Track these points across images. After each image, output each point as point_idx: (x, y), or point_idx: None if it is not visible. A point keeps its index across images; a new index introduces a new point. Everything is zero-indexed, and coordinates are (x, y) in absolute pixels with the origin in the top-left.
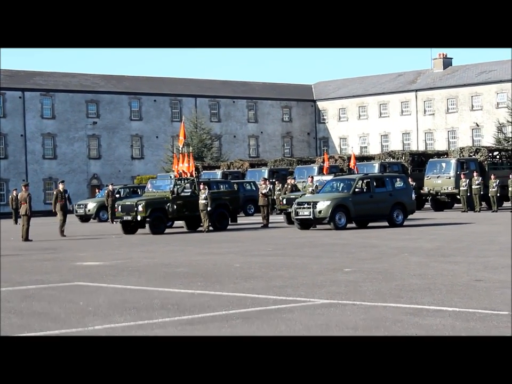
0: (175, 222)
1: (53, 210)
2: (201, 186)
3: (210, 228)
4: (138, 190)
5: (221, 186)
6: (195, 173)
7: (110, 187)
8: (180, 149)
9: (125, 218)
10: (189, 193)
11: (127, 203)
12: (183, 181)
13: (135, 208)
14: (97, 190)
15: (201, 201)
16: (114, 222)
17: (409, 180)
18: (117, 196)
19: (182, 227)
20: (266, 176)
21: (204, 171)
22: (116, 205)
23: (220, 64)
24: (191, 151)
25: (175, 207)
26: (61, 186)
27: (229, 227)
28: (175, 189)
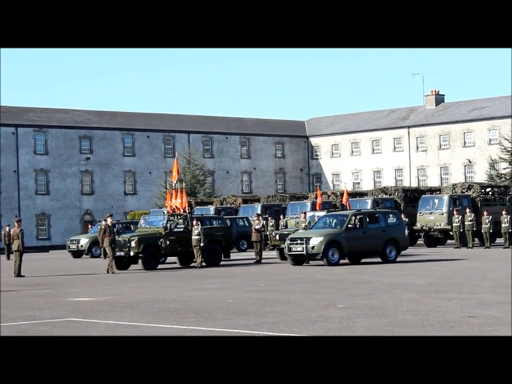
0: (168, 257)
1: (100, 246)
2: (194, 222)
3: (203, 264)
4: (131, 226)
5: (214, 222)
6: (188, 209)
7: (109, 220)
8: (173, 184)
9: (117, 254)
10: (182, 229)
11: (120, 239)
12: (176, 217)
13: (128, 244)
14: (90, 226)
15: (194, 237)
16: (107, 258)
17: (402, 215)
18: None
19: (175, 263)
20: (259, 212)
21: (196, 207)
22: None
23: (213, 100)
24: (184, 186)
25: (168, 242)
26: (109, 220)
27: (221, 263)
28: (168, 225)
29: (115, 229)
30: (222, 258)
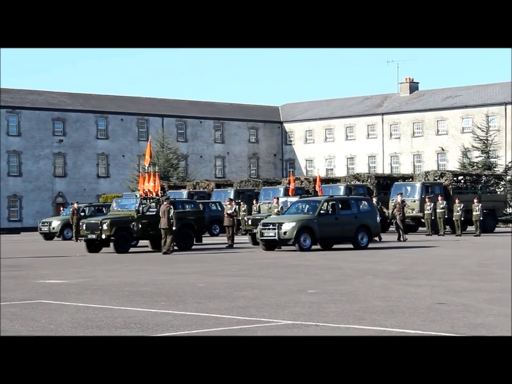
0: (140, 241)
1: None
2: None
3: (175, 248)
4: (104, 209)
5: (187, 206)
6: (161, 192)
7: (75, 205)
8: (146, 168)
9: (89, 236)
10: (154, 213)
11: (92, 221)
12: (148, 200)
13: (100, 227)
14: (62, 208)
15: None
16: (78, 240)
17: (374, 200)
18: (82, 214)
19: (147, 246)
20: (232, 197)
21: (169, 190)
22: (80, 223)
23: (187, 84)
24: (157, 170)
25: (140, 226)
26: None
27: (193, 247)
28: (140, 208)
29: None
30: (194, 243)
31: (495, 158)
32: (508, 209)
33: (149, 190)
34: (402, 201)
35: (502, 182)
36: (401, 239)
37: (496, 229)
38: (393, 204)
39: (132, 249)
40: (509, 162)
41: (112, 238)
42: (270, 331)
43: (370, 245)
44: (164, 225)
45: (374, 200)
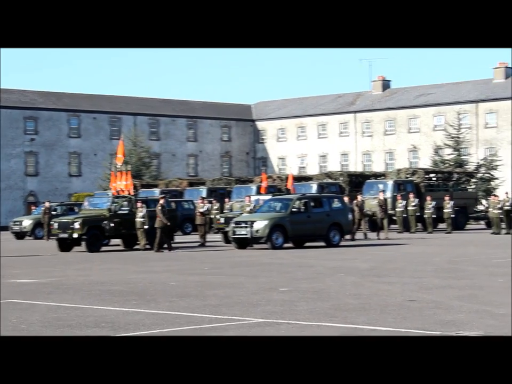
0: (112, 240)
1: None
2: (139, 204)
3: (147, 246)
4: (75, 208)
5: None
6: (133, 191)
7: (47, 204)
8: (118, 166)
9: (61, 235)
10: (126, 211)
11: (63, 220)
12: (120, 199)
13: (72, 226)
14: (33, 207)
15: (139, 220)
16: (50, 240)
17: (346, 199)
18: (54, 213)
19: (119, 245)
20: (204, 195)
21: (142, 189)
22: (52, 222)
23: (160, 83)
24: (129, 169)
25: (112, 225)
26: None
27: (165, 246)
28: (113, 207)
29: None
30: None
31: (466, 155)
32: (478, 206)
33: (121, 189)
34: (385, 199)
35: (473, 180)
36: (380, 236)
37: (467, 226)
38: (376, 202)
39: (103, 248)
40: (480, 160)
41: (84, 237)
42: (242, 329)
43: (342, 243)
44: (158, 224)
45: (346, 199)
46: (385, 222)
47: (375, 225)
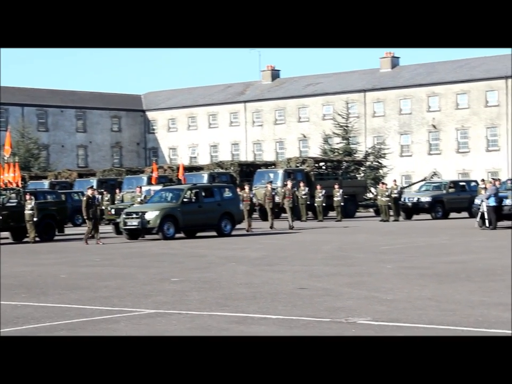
0: (0, 233)
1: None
2: (27, 196)
3: (37, 239)
4: None
5: (48, 196)
6: (21, 183)
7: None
8: (6, 158)
9: None
10: (14, 204)
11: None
12: (8, 191)
13: None
14: None
15: (27, 212)
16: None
17: (238, 189)
18: None
19: (8, 238)
20: (95, 186)
21: (30, 181)
22: None
23: (47, 73)
24: (17, 160)
25: (0, 217)
26: (89, 192)
27: (55, 238)
28: (0, 199)
29: (96, 201)
30: (56, 233)
31: (355, 144)
32: (367, 194)
33: (8, 181)
34: (273, 189)
35: (362, 168)
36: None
37: (357, 214)
38: (263, 192)
39: None
40: (368, 149)
41: None
42: (133, 320)
43: (233, 232)
44: (93, 214)
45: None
46: (269, 211)
47: (266, 214)
